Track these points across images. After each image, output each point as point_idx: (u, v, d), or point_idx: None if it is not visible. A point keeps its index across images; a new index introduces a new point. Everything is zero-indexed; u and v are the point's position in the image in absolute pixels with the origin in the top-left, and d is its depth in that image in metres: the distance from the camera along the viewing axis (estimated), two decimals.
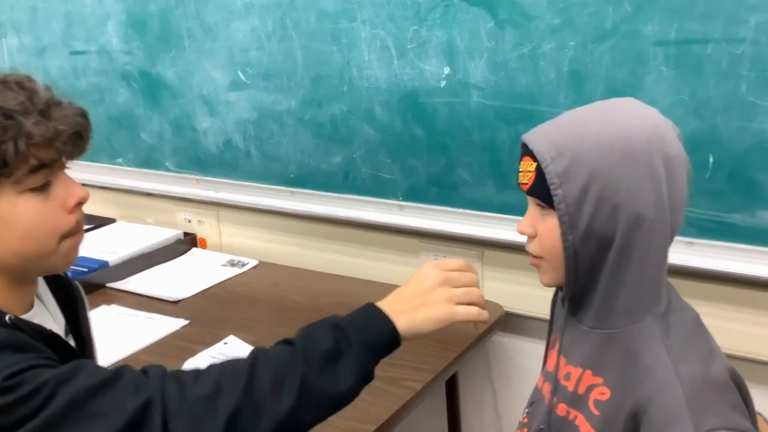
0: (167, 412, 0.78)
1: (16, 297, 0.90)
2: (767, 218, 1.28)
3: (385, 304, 0.91)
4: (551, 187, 0.86)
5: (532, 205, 0.93)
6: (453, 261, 0.96)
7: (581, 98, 1.37)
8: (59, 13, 2.04)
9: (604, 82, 1.35)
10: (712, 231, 1.33)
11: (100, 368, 0.82)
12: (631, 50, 1.31)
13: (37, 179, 0.85)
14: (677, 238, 0.91)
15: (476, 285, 0.95)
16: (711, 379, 0.83)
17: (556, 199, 0.85)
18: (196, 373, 0.83)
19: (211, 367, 0.84)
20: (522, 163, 0.92)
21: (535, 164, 0.88)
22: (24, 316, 0.90)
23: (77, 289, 1.03)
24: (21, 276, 0.90)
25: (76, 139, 0.88)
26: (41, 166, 0.84)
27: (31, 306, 0.94)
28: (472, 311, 0.92)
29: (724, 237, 1.33)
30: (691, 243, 1.35)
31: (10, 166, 0.82)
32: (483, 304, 0.95)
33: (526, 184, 0.90)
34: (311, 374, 0.83)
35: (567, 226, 0.86)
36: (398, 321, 0.89)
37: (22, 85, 0.86)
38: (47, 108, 0.85)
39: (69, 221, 0.88)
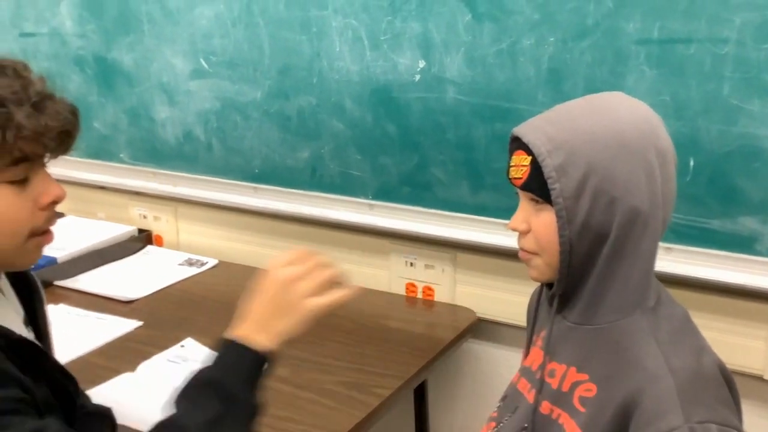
0: None
1: None
2: (747, 224, 1.30)
3: (244, 329, 0.91)
4: (549, 181, 0.87)
5: (525, 200, 0.94)
6: (289, 253, 0.94)
7: (560, 96, 1.38)
8: None
9: (584, 81, 1.37)
10: (691, 237, 1.35)
11: None
12: (611, 48, 1.33)
13: (17, 172, 0.86)
14: None
15: (324, 266, 0.92)
16: (702, 371, 0.86)
17: (553, 193, 0.87)
18: None
19: None
20: (514, 157, 0.93)
21: (529, 158, 0.89)
22: None
23: (35, 282, 1.04)
24: None
25: (64, 137, 0.89)
26: (23, 159, 0.85)
27: None
28: (324, 302, 0.91)
29: (703, 243, 1.35)
30: (669, 249, 1.37)
31: None
32: (341, 279, 0.93)
33: (520, 178, 0.91)
34: None
35: (564, 221, 0.87)
36: (261, 342, 0.89)
37: (18, 72, 0.86)
38: (41, 100, 0.85)
39: (39, 218, 0.89)
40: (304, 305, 0.90)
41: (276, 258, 0.93)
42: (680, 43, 1.28)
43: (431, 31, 1.49)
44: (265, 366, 0.90)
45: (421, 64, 1.51)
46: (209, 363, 0.90)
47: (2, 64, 0.87)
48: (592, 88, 1.36)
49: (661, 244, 1.33)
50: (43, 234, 0.91)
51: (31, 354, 0.91)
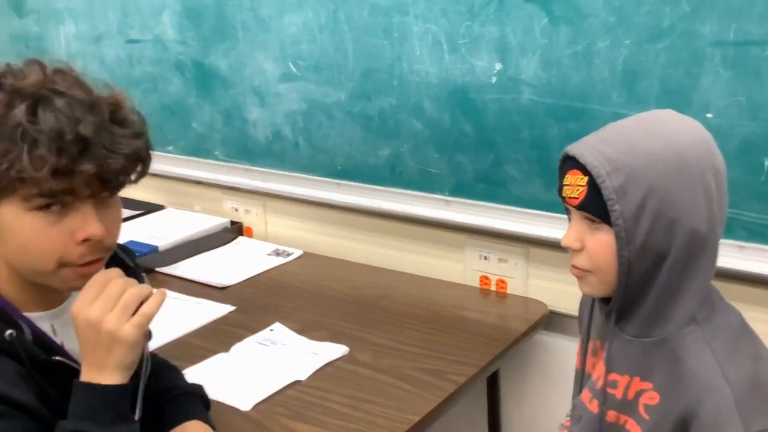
0: None
1: (42, 292, 0.92)
2: None
3: (86, 374, 0.88)
4: (608, 203, 0.85)
5: (578, 219, 0.92)
6: (85, 288, 0.88)
7: (634, 97, 1.38)
8: (116, 2, 2.11)
9: (659, 82, 1.35)
10: (764, 235, 1.32)
11: None
12: (687, 50, 1.31)
13: (45, 202, 0.84)
14: (728, 241, 0.91)
15: (123, 285, 0.88)
16: (760, 379, 0.84)
17: (613, 215, 0.85)
18: None
19: None
20: (568, 176, 0.91)
21: (586, 178, 0.87)
22: (48, 312, 0.94)
23: (142, 277, 1.00)
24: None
25: (100, 180, 0.85)
26: (50, 195, 0.83)
27: (67, 297, 0.96)
28: (137, 320, 0.88)
29: None
30: (742, 247, 1.34)
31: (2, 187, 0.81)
32: (145, 292, 0.89)
33: (577, 198, 0.89)
34: None
35: (624, 242, 0.85)
36: (105, 380, 0.87)
37: (79, 103, 0.83)
38: (78, 140, 0.81)
39: (72, 252, 0.87)
40: (121, 334, 0.86)
41: (77, 301, 0.89)
42: (756, 45, 1.25)
43: (508, 35, 1.49)
44: (122, 398, 0.88)
45: (498, 66, 1.52)
46: (71, 412, 0.87)
47: (66, 93, 0.82)
48: (667, 90, 1.34)
49: (734, 242, 1.32)
50: (82, 266, 0.88)
51: (63, 372, 0.90)
